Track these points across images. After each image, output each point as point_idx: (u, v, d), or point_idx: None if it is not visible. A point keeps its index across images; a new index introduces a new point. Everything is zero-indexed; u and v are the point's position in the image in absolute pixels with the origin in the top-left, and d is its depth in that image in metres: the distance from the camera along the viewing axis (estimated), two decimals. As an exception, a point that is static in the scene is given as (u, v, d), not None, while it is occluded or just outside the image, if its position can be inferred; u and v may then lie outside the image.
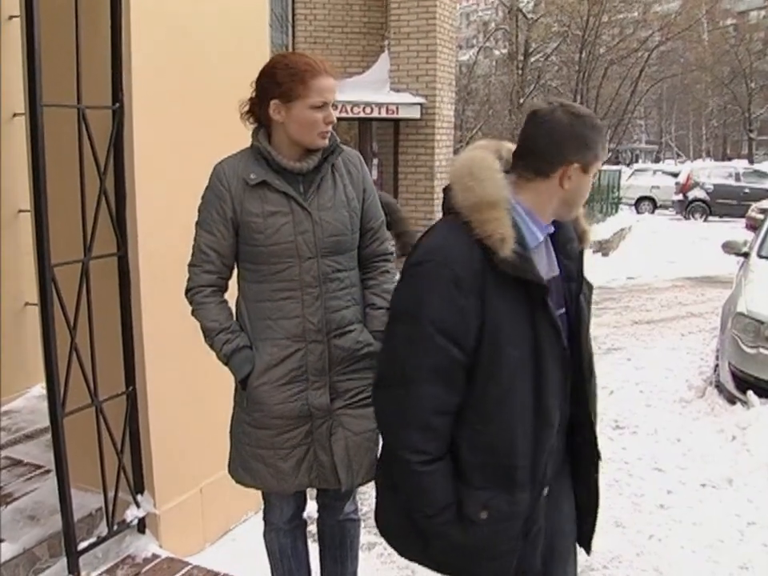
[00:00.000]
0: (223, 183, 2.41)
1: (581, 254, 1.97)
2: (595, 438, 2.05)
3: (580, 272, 1.97)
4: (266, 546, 2.81)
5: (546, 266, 1.91)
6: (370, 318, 2.58)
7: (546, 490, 1.93)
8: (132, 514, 3.21)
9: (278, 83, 2.35)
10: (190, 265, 2.49)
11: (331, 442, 2.50)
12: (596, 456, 2.08)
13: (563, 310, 1.95)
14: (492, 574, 1.92)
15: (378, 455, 2.40)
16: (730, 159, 41.03)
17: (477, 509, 1.84)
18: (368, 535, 3.83)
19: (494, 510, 1.85)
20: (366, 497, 4.17)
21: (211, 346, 2.48)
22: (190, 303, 2.50)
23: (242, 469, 2.57)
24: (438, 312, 1.76)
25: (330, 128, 2.42)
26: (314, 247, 2.42)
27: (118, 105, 2.99)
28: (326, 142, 2.44)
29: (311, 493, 2.79)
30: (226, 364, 2.48)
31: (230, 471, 2.64)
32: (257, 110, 2.46)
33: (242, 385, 2.48)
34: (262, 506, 2.80)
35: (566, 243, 1.97)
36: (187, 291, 2.50)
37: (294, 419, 2.47)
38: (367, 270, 2.64)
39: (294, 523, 2.76)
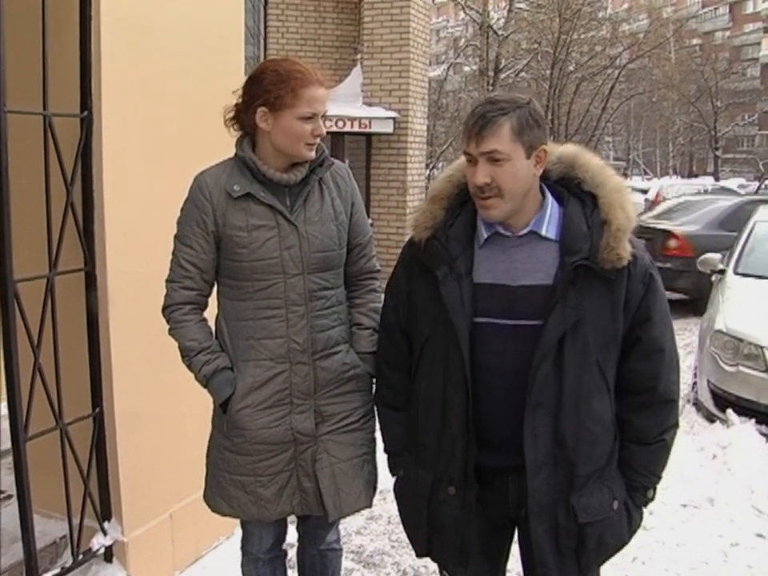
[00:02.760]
0: (205, 195, 2.29)
1: (576, 268, 1.87)
2: (536, 495, 1.96)
3: (563, 285, 1.88)
4: None
5: (503, 269, 1.95)
6: (357, 339, 2.49)
7: (452, 489, 2.03)
8: (98, 542, 3.09)
9: (265, 90, 2.25)
10: (168, 281, 2.38)
11: (315, 468, 2.39)
12: (541, 516, 1.97)
13: (531, 322, 1.91)
14: (407, 528, 2.23)
15: (366, 481, 2.46)
16: (696, 176, 41.82)
17: (398, 466, 2.25)
18: (345, 561, 3.70)
19: (406, 473, 2.19)
20: (342, 520, 4.05)
21: (189, 367, 2.37)
22: (168, 321, 2.39)
23: (219, 497, 2.46)
24: (389, 290, 2.24)
25: (318, 140, 2.32)
26: (301, 263, 2.32)
27: (86, 113, 2.88)
28: (313, 154, 2.34)
29: (291, 520, 2.69)
30: (205, 386, 2.36)
31: (205, 499, 2.53)
32: (242, 116, 2.35)
33: (222, 408, 2.37)
34: (235, 533, 2.70)
35: (567, 254, 1.90)
36: (164, 309, 2.39)
37: (276, 444, 2.36)
38: (354, 288, 2.55)
39: (273, 553, 2.65)
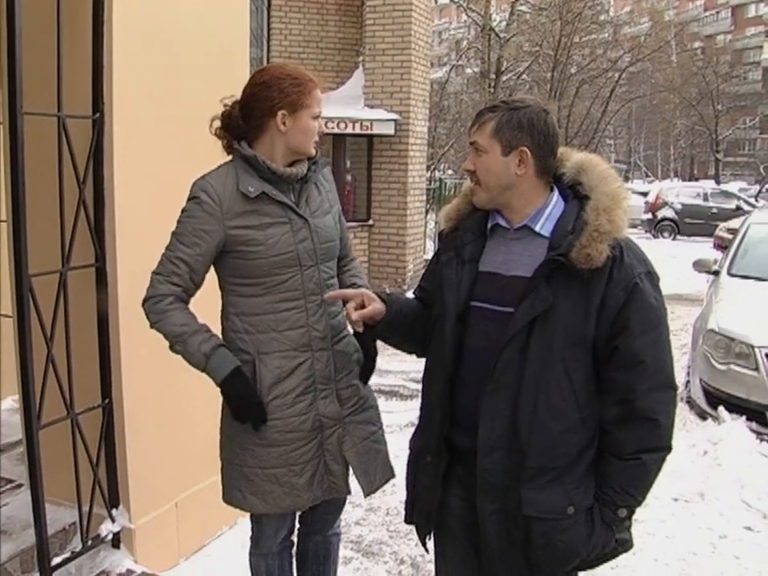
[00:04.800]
0: (214, 199, 2.34)
1: (546, 262, 1.95)
2: (486, 475, 2.01)
3: (536, 278, 1.95)
4: (252, 569, 2.71)
5: (502, 259, 2.06)
6: None
7: (428, 458, 2.16)
8: (107, 529, 3.17)
9: (285, 93, 2.36)
10: (155, 273, 2.38)
11: (343, 450, 2.51)
12: (489, 496, 2.01)
13: (506, 309, 1.99)
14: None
15: (386, 454, 2.62)
16: (697, 179, 41.78)
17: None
18: (344, 550, 3.81)
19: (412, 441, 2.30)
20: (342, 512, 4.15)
21: (184, 351, 2.37)
22: (150, 314, 2.37)
23: (251, 495, 2.48)
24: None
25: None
26: (314, 254, 2.44)
27: (98, 114, 2.98)
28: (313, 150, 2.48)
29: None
30: (204, 367, 2.37)
31: (233, 502, 2.55)
32: (240, 123, 2.43)
33: (225, 386, 2.37)
34: (238, 522, 2.73)
35: (550, 250, 1.98)
36: (147, 300, 2.37)
37: (306, 432, 2.45)
38: (341, 265, 2.70)
39: (284, 544, 2.71)
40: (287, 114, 2.38)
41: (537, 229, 2.04)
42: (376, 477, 2.58)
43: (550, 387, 1.95)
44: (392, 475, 2.66)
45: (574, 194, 2.06)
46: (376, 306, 2.19)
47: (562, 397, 1.95)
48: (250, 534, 2.71)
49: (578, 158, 2.10)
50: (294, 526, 2.74)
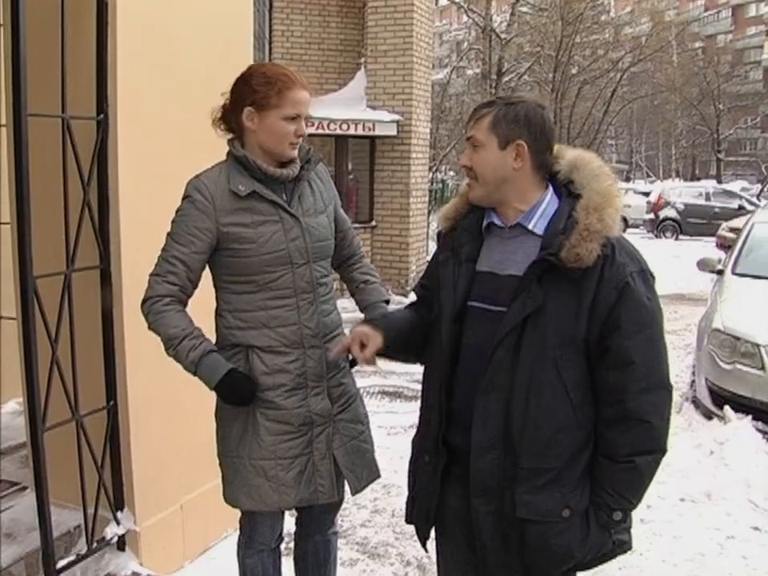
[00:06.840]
0: (206, 197, 2.38)
1: (537, 262, 1.93)
2: (479, 478, 1.99)
3: (527, 277, 1.94)
4: (247, 570, 2.68)
5: (498, 259, 2.05)
6: (371, 291, 2.72)
7: (426, 457, 2.14)
8: (112, 531, 3.16)
9: (253, 90, 2.37)
10: (152, 274, 2.41)
11: (332, 449, 2.51)
12: (483, 497, 1.99)
13: (500, 308, 1.98)
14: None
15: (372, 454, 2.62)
16: (698, 179, 41.79)
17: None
18: (350, 551, 3.82)
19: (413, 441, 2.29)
20: (347, 513, 4.15)
21: (176, 356, 2.38)
22: (147, 315, 2.39)
23: (238, 490, 2.51)
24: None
25: (300, 140, 2.44)
26: (306, 253, 2.45)
27: (102, 116, 2.98)
28: (296, 153, 2.46)
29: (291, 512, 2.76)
30: (194, 372, 2.39)
31: (226, 497, 2.58)
32: (230, 117, 2.47)
33: (217, 392, 2.42)
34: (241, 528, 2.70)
35: (542, 249, 1.96)
36: (145, 301, 2.40)
37: (296, 426, 2.47)
38: (350, 264, 2.76)
39: (278, 542, 2.71)
40: (254, 112, 2.39)
41: (530, 227, 2.02)
42: (363, 476, 2.60)
43: (543, 387, 1.92)
44: (378, 475, 2.68)
45: (568, 191, 2.04)
46: (376, 340, 2.15)
47: (554, 397, 1.93)
48: (239, 536, 2.70)
49: (572, 155, 2.09)
50: (283, 525, 2.73)
